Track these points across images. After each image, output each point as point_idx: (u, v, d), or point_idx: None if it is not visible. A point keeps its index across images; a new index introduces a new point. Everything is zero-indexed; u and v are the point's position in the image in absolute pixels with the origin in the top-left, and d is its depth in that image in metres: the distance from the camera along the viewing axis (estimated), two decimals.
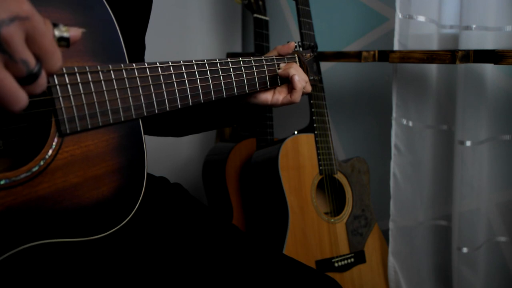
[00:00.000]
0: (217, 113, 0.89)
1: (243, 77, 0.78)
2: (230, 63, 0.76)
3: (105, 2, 0.58)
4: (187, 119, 0.90)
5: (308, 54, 0.96)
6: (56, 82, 0.51)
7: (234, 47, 1.96)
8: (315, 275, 0.80)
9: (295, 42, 1.01)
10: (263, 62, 0.82)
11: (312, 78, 0.95)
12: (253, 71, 0.80)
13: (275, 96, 0.85)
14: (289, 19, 1.86)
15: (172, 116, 0.88)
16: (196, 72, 0.70)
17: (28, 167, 0.50)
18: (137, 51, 0.86)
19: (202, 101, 0.71)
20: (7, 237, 0.49)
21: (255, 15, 1.57)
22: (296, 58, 0.92)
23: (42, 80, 0.42)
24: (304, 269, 0.81)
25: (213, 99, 0.73)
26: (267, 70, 0.83)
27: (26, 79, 0.41)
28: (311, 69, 0.95)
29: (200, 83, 0.70)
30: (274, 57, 0.86)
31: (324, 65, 1.74)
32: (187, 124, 0.91)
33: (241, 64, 0.78)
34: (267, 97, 0.85)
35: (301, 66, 0.92)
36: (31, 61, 0.41)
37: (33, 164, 0.51)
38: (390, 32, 1.48)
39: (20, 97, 0.40)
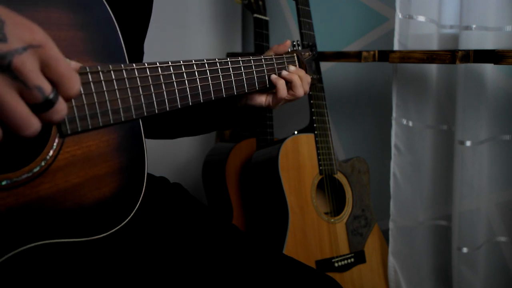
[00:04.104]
0: (212, 116, 0.90)
1: (243, 76, 0.79)
2: (229, 62, 0.76)
3: (105, 2, 0.58)
4: (181, 122, 0.90)
5: (307, 53, 0.96)
6: None
7: (234, 47, 1.96)
8: (315, 275, 0.80)
9: (294, 41, 1.02)
10: (262, 62, 0.83)
11: (311, 77, 0.95)
12: (253, 71, 0.81)
13: (268, 98, 0.87)
14: (289, 19, 1.86)
15: (166, 119, 0.88)
16: (196, 72, 0.70)
17: (29, 168, 0.50)
18: (135, 57, 0.86)
19: (201, 101, 0.71)
20: (9, 238, 0.49)
21: (255, 15, 1.57)
22: (295, 57, 0.92)
23: (60, 106, 0.43)
24: (304, 269, 0.81)
25: (213, 98, 0.73)
26: (266, 69, 0.83)
27: (42, 106, 0.42)
28: (310, 68, 0.96)
29: (199, 83, 0.70)
30: (273, 56, 0.86)
31: (324, 65, 1.74)
32: (181, 126, 0.91)
33: (240, 64, 0.78)
34: (261, 99, 0.87)
35: (300, 65, 0.92)
36: (46, 87, 0.42)
37: (34, 165, 0.51)
38: (390, 32, 1.49)
39: (31, 123, 0.41)
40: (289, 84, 0.86)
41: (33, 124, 0.41)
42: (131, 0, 0.78)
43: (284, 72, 0.86)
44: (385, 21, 1.62)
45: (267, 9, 1.65)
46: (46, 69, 0.42)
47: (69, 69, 0.43)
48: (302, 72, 0.88)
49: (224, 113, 0.89)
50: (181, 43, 1.76)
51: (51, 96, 0.42)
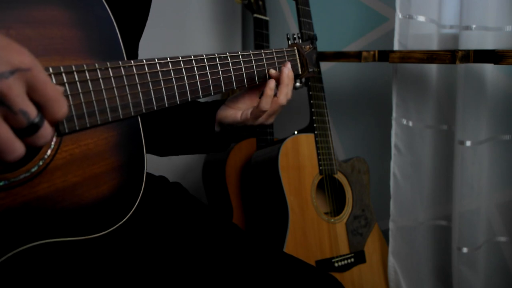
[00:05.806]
0: (187, 141, 0.88)
1: (242, 71, 0.78)
2: (229, 57, 0.75)
3: (104, 1, 0.58)
4: (172, 139, 0.89)
5: (308, 46, 0.95)
6: (54, 81, 0.51)
7: (234, 47, 1.95)
8: (316, 273, 0.80)
9: (294, 34, 1.00)
10: (262, 56, 0.82)
11: (311, 70, 0.94)
12: (252, 65, 0.80)
13: (245, 112, 0.83)
14: (289, 19, 1.86)
15: (159, 132, 0.87)
16: (195, 68, 0.69)
17: (27, 168, 0.50)
18: (130, 57, 0.85)
19: (201, 96, 0.70)
20: (8, 238, 0.49)
21: (255, 15, 1.57)
22: (295, 50, 0.91)
23: (45, 131, 0.43)
24: (305, 267, 0.81)
25: (212, 94, 0.72)
26: (266, 64, 0.83)
27: (27, 130, 0.41)
28: (311, 61, 0.95)
29: (198, 79, 0.70)
30: (273, 50, 0.85)
31: (324, 65, 1.74)
32: (171, 144, 0.90)
33: (240, 59, 0.78)
34: (236, 115, 0.83)
35: (300, 58, 0.91)
36: (32, 111, 0.41)
37: (32, 165, 0.51)
38: (390, 32, 1.48)
39: (16, 148, 0.41)
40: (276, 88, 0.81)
41: (17, 149, 0.41)
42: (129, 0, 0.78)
43: (285, 69, 0.80)
44: (385, 21, 1.62)
45: (267, 9, 1.65)
46: (32, 92, 0.42)
47: (56, 92, 0.43)
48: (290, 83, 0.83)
49: (201, 138, 0.86)
50: (181, 44, 1.75)
51: (36, 120, 0.42)
